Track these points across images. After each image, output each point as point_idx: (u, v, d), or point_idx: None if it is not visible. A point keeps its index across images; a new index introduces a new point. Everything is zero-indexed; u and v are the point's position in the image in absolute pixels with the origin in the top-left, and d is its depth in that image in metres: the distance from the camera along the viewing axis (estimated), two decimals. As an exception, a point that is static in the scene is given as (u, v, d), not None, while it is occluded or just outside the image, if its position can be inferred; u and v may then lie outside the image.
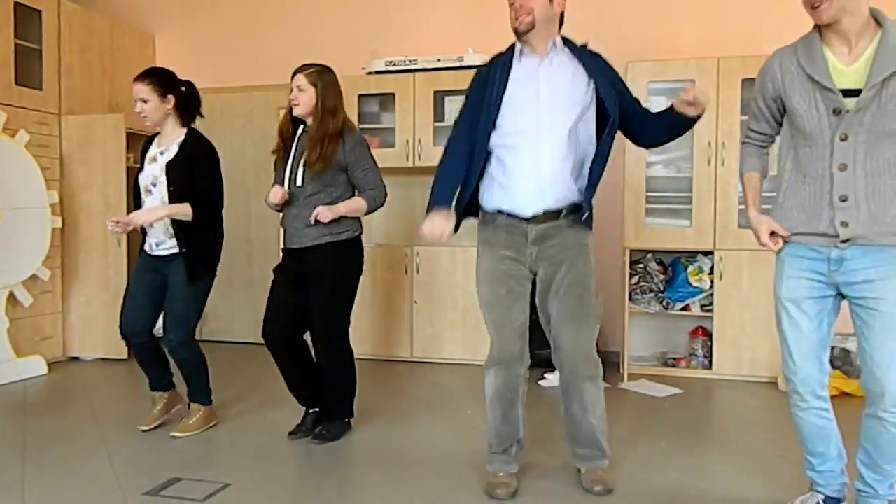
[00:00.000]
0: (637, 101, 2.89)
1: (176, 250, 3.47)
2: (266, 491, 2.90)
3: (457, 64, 5.25)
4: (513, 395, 2.86)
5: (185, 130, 3.54)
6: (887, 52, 2.15)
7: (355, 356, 3.62)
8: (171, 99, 3.48)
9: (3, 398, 4.34)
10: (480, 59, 5.18)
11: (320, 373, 3.53)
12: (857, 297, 2.28)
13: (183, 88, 3.54)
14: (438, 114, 5.39)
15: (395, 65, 5.39)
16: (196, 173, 3.44)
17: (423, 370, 5.06)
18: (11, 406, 4.19)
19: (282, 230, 3.55)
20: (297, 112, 3.40)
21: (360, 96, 5.48)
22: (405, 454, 3.36)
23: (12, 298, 4.89)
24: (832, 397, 4.25)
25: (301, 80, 3.39)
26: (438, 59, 5.29)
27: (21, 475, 3.06)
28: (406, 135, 5.40)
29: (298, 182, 3.37)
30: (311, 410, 3.64)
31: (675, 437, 3.62)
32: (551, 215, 2.76)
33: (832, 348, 4.70)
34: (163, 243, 3.50)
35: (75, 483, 2.99)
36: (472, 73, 4.89)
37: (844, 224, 2.23)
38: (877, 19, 2.22)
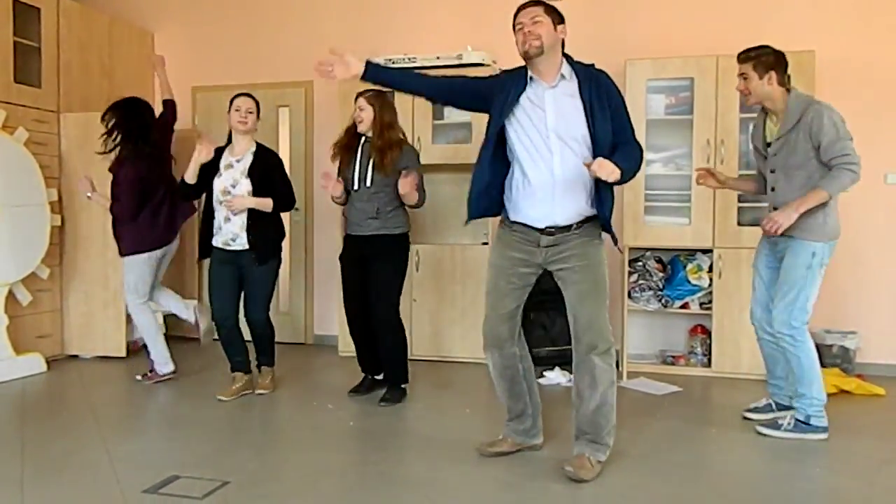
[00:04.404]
0: (624, 130, 2.96)
1: (248, 245, 4.13)
2: (265, 489, 2.90)
3: (456, 62, 5.23)
4: (513, 373, 3.20)
5: (255, 143, 4.24)
6: (786, 119, 3.45)
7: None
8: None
9: (2, 396, 4.34)
10: (480, 57, 5.18)
11: (380, 350, 4.18)
12: (781, 263, 3.56)
13: None
14: (437, 112, 5.38)
15: (394, 63, 5.37)
16: (273, 176, 4.19)
17: (423, 368, 5.05)
18: (10, 404, 4.20)
19: (343, 220, 4.28)
20: (361, 129, 4.08)
21: (359, 94, 5.45)
22: (404, 452, 3.36)
23: (11, 296, 4.89)
24: (832, 395, 4.30)
25: (361, 101, 4.06)
26: (438, 57, 5.27)
27: (20, 473, 3.06)
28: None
29: (367, 182, 4.03)
30: (371, 377, 4.33)
31: (675, 435, 3.63)
32: (562, 229, 2.99)
33: (831, 346, 4.71)
34: (238, 237, 4.15)
35: (74, 480, 2.99)
36: (471, 70, 5.08)
37: (775, 208, 3.48)
38: (790, 91, 3.48)
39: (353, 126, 4.16)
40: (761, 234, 3.68)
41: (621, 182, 2.83)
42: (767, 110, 3.60)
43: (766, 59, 3.45)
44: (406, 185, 3.88)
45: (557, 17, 2.94)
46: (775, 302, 3.52)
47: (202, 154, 4.03)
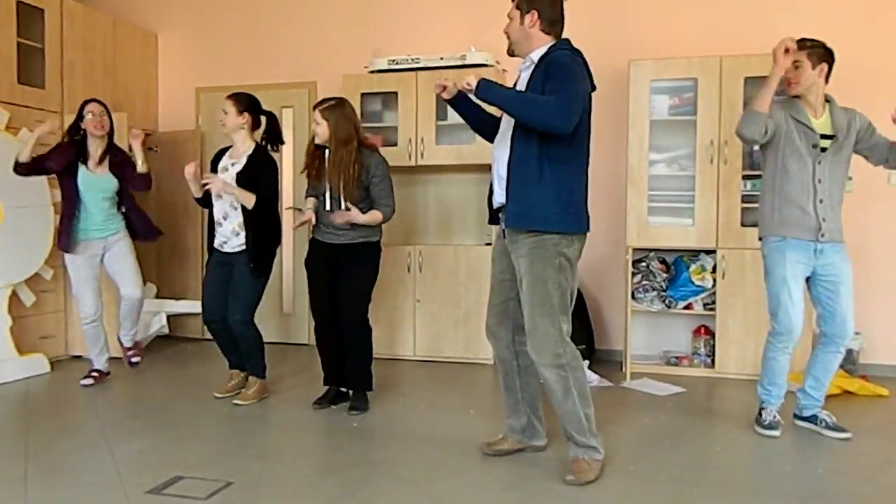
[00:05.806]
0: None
1: (239, 248, 4.13)
2: (268, 489, 2.90)
3: (459, 62, 5.23)
4: (507, 367, 3.27)
5: (253, 145, 4.19)
6: (837, 116, 3.59)
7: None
8: (247, 116, 4.15)
9: (6, 396, 4.35)
10: (483, 57, 5.18)
11: (346, 352, 4.07)
12: (825, 275, 3.56)
13: (263, 116, 4.24)
14: (441, 112, 5.38)
15: (397, 63, 5.39)
16: (259, 179, 4.09)
17: (426, 369, 5.05)
18: (14, 404, 4.20)
19: (315, 224, 4.05)
20: (317, 141, 3.95)
21: (363, 95, 5.47)
22: (407, 453, 3.36)
23: (15, 297, 4.89)
24: (835, 396, 4.30)
25: (316, 115, 3.91)
26: (441, 58, 5.28)
27: (24, 473, 3.06)
28: (409, 133, 5.39)
29: (339, 203, 3.90)
30: (335, 388, 4.17)
31: (678, 435, 3.62)
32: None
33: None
34: (228, 241, 4.16)
35: (78, 481, 2.99)
36: (474, 71, 5.04)
37: (824, 219, 3.50)
38: (827, 99, 3.62)
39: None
40: (777, 241, 3.55)
41: (489, 102, 2.87)
42: (802, 102, 3.60)
43: (820, 52, 3.56)
44: (341, 217, 3.87)
45: (526, 8, 2.97)
46: (846, 312, 3.54)
47: (187, 174, 4.11)
